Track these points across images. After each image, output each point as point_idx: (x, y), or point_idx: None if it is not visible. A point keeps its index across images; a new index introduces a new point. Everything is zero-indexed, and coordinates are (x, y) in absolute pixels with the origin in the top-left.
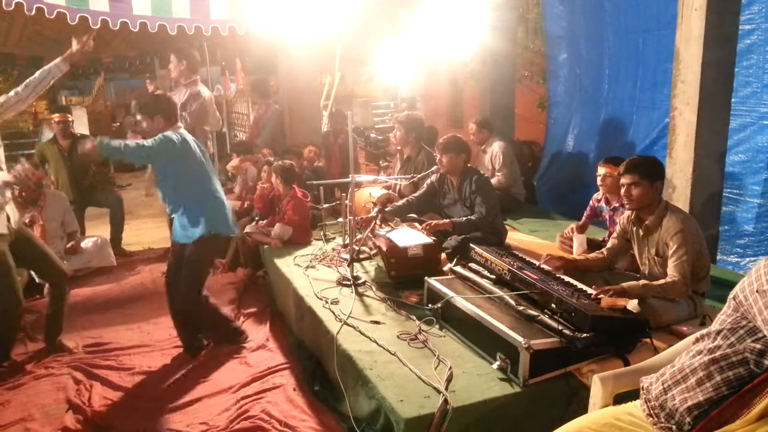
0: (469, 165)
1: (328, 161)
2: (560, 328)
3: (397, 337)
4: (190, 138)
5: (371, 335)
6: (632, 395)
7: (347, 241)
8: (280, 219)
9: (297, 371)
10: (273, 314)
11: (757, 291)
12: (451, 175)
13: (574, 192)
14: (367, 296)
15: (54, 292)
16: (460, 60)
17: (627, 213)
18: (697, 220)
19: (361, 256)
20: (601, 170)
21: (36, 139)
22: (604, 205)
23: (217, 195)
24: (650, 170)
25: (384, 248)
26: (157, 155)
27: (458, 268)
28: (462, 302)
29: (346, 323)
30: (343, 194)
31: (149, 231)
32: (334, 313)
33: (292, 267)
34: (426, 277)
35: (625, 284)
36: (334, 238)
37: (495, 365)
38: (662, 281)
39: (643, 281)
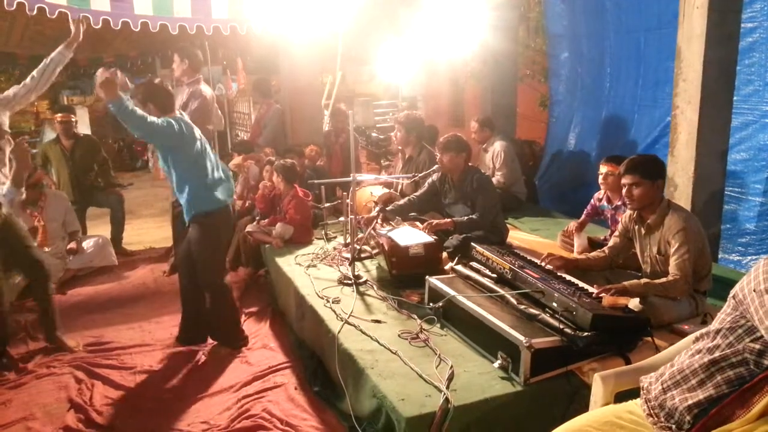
0: (470, 164)
1: (330, 160)
2: (561, 326)
3: (399, 336)
4: (189, 126)
5: (372, 334)
6: (633, 393)
7: (348, 240)
8: (282, 218)
9: (298, 370)
10: (274, 313)
11: (754, 290)
12: (452, 174)
13: (575, 191)
14: (369, 295)
15: (35, 289)
16: (461, 59)
17: (629, 212)
18: (698, 219)
19: (363, 255)
20: (603, 169)
21: (38, 139)
22: (605, 204)
23: (207, 176)
24: (651, 169)
25: (385, 247)
26: (155, 132)
27: (459, 267)
28: (463, 301)
29: (347, 322)
30: (345, 193)
31: (150, 230)
32: (335, 312)
33: (294, 266)
34: (427, 276)
35: (626, 283)
36: (335, 237)
37: (496, 364)
38: (664, 280)
39: (644, 280)
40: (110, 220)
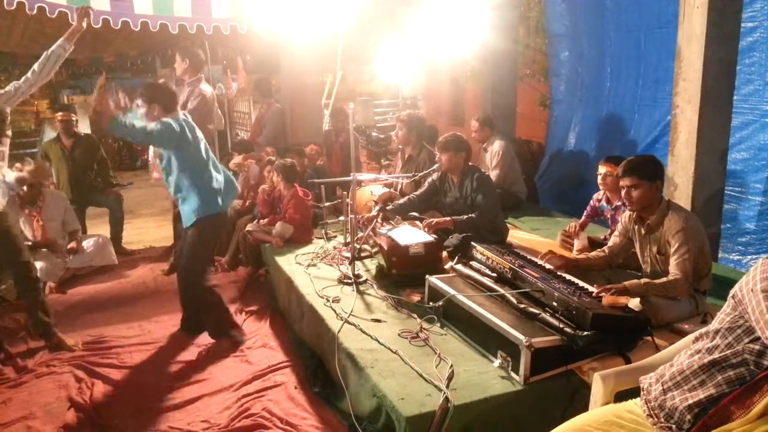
0: (470, 163)
1: (330, 160)
2: (561, 326)
3: (399, 335)
4: (188, 125)
5: (372, 333)
6: (633, 393)
7: (348, 240)
8: (282, 217)
9: (298, 369)
10: (274, 312)
11: (752, 290)
12: (451, 173)
13: (575, 190)
14: (369, 294)
15: (22, 291)
16: (462, 58)
17: (629, 212)
18: (698, 218)
19: (363, 255)
20: (602, 169)
21: (37, 138)
22: (605, 204)
23: (212, 179)
24: (649, 170)
25: (385, 246)
26: (155, 139)
27: (459, 267)
28: (463, 300)
29: (347, 321)
30: (345, 193)
31: (150, 230)
32: (335, 312)
33: (294, 265)
34: (427, 276)
35: (626, 282)
36: (335, 237)
37: (496, 363)
38: (664, 279)
39: (644, 279)
40: (109, 220)
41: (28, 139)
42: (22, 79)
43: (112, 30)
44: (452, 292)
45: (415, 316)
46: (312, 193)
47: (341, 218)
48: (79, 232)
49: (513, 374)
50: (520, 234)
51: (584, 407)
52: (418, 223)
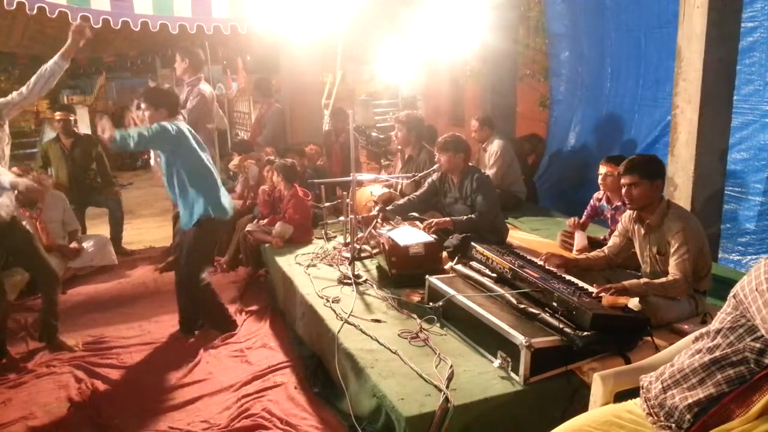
0: (470, 164)
1: (330, 160)
2: (561, 326)
3: (398, 335)
4: (186, 128)
5: (372, 334)
6: (633, 393)
7: (348, 240)
8: (281, 218)
9: (298, 370)
10: (274, 313)
11: (756, 290)
12: (451, 173)
13: (575, 190)
14: (368, 295)
15: (43, 293)
16: (461, 58)
17: (629, 211)
18: (698, 219)
19: (362, 255)
20: (602, 169)
21: (37, 138)
22: (605, 204)
23: (211, 182)
24: (649, 169)
25: (385, 247)
26: (151, 142)
27: (459, 267)
28: (463, 300)
29: (347, 322)
30: (345, 193)
31: (150, 230)
32: (335, 312)
33: (294, 266)
34: (427, 276)
35: (626, 282)
36: (335, 237)
37: (496, 363)
38: (663, 279)
39: (644, 279)
40: (109, 220)
41: (28, 139)
42: (16, 92)
43: (112, 30)
44: (452, 292)
45: (415, 316)
46: (312, 193)
47: (341, 218)
48: (78, 232)
49: (513, 374)
50: (519, 234)
51: (584, 407)
52: (418, 223)
